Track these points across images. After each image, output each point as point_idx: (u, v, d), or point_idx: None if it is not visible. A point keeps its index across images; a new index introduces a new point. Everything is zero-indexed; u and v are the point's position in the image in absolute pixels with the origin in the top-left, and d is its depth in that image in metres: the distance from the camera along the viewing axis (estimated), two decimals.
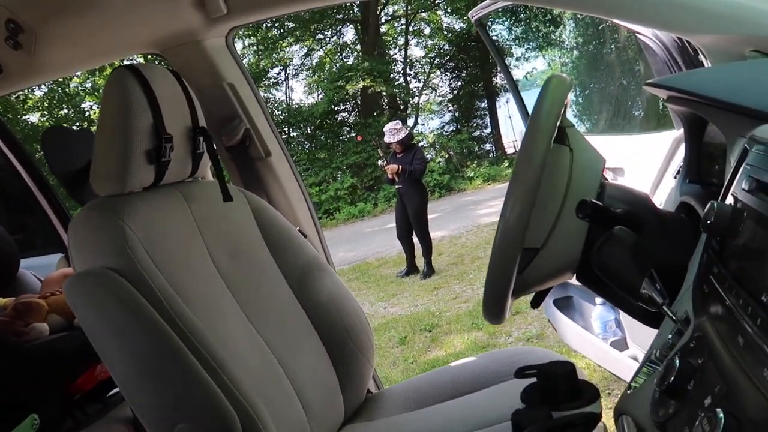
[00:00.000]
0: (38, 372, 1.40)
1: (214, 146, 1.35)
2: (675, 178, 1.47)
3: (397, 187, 5.89)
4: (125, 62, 1.85)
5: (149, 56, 1.75)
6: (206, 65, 1.57)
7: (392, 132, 5.83)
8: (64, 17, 1.40)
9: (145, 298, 1.07)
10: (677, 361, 0.58)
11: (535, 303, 1.11)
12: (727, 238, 0.60)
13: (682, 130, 1.57)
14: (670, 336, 0.71)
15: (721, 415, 0.46)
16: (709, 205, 0.62)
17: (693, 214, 1.02)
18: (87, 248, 1.12)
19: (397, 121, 6.17)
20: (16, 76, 1.57)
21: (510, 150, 13.81)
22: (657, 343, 0.74)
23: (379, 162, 6.16)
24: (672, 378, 0.58)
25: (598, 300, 2.07)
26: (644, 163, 1.79)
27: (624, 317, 1.94)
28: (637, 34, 1.57)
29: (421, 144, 12.78)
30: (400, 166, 5.67)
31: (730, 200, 0.67)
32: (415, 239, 5.95)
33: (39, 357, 1.40)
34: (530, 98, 2.90)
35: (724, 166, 1.09)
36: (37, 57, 1.50)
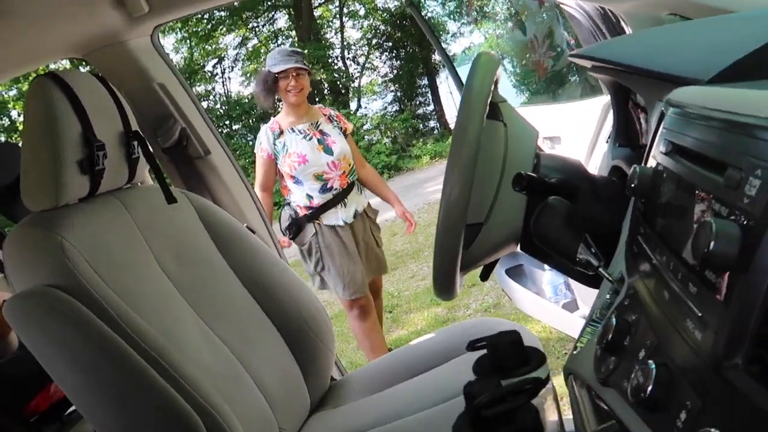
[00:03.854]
0: None
1: (150, 149, 1.32)
2: (607, 143, 1.53)
3: None
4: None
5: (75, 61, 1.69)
6: (133, 66, 1.52)
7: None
8: None
9: (90, 311, 1.05)
10: (614, 319, 0.62)
11: (484, 276, 1.14)
12: (651, 199, 0.64)
13: None
14: (608, 296, 0.75)
15: (653, 365, 0.49)
16: (632, 168, 0.65)
17: (625, 177, 1.06)
18: (25, 267, 1.08)
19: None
20: None
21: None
22: (597, 303, 0.78)
23: None
24: (610, 335, 0.61)
25: (547, 266, 2.14)
26: (579, 130, 1.85)
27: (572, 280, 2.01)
28: (561, 5, 1.61)
29: (365, 128, 12.75)
30: None
31: (652, 163, 0.70)
32: None
33: None
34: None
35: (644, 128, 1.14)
36: None
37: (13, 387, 1.41)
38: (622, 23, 1.47)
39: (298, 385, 1.44)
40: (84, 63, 1.68)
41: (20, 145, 1.23)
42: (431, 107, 14.37)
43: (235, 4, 12.38)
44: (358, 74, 14.29)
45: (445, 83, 14.58)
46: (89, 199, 1.22)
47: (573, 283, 2.02)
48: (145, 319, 1.12)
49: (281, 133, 2.69)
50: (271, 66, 2.66)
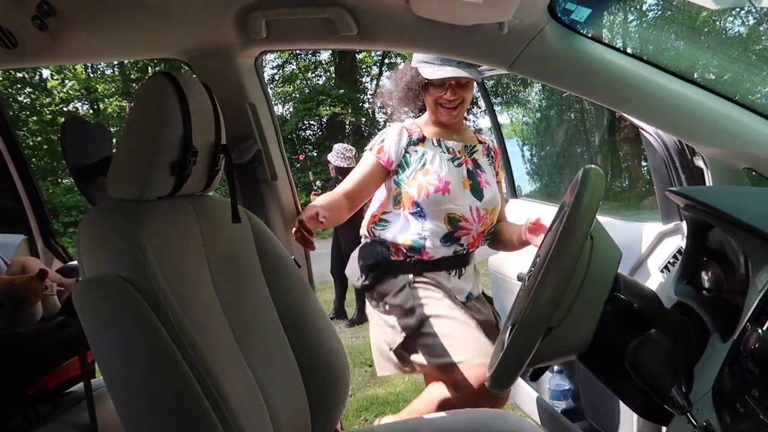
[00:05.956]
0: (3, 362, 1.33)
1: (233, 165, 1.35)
2: (661, 272, 1.57)
3: None
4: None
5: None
6: (233, 82, 1.57)
7: (341, 155, 5.27)
8: (100, 8, 1.37)
9: (152, 311, 1.05)
10: None
11: (535, 377, 1.15)
12: None
13: (669, 226, 1.68)
14: None
15: None
16: (752, 332, 0.67)
17: (689, 313, 1.09)
18: (99, 252, 1.09)
19: (351, 147, 5.52)
20: (32, 54, 1.52)
21: None
22: None
23: (312, 195, 5.01)
24: None
25: (556, 368, 2.14)
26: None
27: (582, 390, 2.02)
28: (641, 129, 1.67)
29: None
30: None
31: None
32: None
33: (7, 347, 1.33)
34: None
35: (722, 274, 1.17)
36: (59, 40, 1.46)
37: (27, 358, 1.38)
38: (700, 162, 1.53)
39: (305, 428, 1.42)
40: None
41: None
42: None
43: None
44: (383, 124, 14.59)
45: None
46: (166, 199, 1.24)
47: (583, 394, 2.02)
48: (194, 330, 1.12)
49: (422, 140, 1.90)
50: (423, 68, 1.84)
